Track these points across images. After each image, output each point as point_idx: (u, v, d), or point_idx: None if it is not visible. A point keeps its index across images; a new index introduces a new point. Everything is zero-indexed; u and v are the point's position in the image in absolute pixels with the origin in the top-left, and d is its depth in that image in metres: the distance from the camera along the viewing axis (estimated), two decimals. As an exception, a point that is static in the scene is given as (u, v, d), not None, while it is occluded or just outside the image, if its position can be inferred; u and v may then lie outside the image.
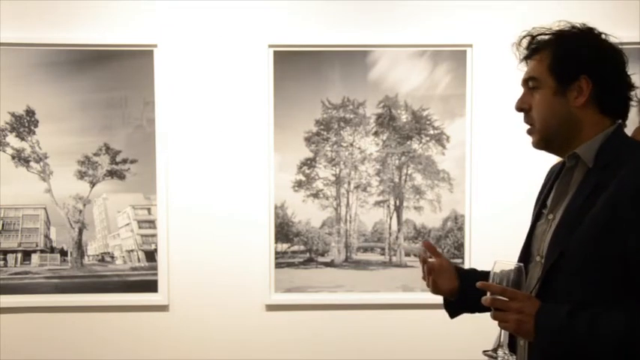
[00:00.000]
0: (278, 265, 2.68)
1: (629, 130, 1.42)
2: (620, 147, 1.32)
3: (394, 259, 2.71)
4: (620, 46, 1.36)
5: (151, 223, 2.66)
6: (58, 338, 2.66)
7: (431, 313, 2.69)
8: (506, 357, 1.32)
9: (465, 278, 1.61)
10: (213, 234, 2.65)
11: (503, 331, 1.32)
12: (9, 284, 2.64)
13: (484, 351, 1.35)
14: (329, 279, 2.70)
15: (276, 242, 2.68)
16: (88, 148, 2.63)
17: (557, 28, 1.38)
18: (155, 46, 2.59)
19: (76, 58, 2.59)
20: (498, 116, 2.62)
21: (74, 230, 2.66)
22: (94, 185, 2.65)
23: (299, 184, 2.68)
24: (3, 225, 2.65)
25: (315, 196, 2.69)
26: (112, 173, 2.65)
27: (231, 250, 2.66)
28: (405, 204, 2.69)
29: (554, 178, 1.46)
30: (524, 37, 1.41)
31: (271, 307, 2.68)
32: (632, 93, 1.36)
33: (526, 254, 1.45)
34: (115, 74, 2.60)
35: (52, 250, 2.66)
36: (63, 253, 2.67)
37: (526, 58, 1.40)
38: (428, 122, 2.67)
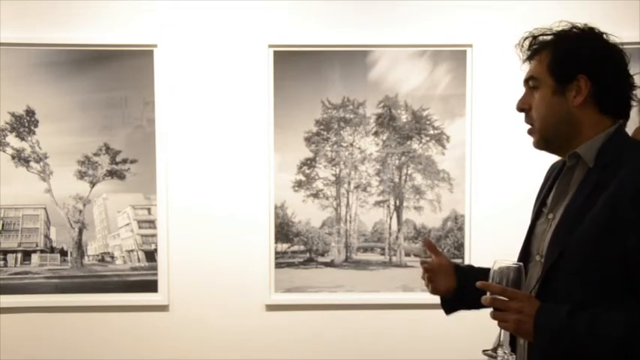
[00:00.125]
0: (278, 265, 2.68)
1: (629, 130, 1.42)
2: (621, 147, 1.32)
3: (394, 259, 2.71)
4: (620, 46, 1.36)
5: (151, 223, 2.66)
6: (58, 338, 2.66)
7: (431, 313, 2.68)
8: (506, 357, 1.32)
9: (463, 276, 1.61)
10: (213, 234, 2.65)
11: (503, 330, 1.32)
12: (9, 284, 2.64)
13: (484, 350, 1.35)
14: (329, 279, 2.70)
15: (276, 242, 2.68)
16: (88, 148, 2.63)
17: (558, 29, 1.38)
18: (155, 46, 2.59)
19: (76, 58, 2.59)
20: (498, 116, 2.62)
21: (74, 230, 2.66)
22: (94, 185, 2.65)
23: (299, 184, 2.68)
24: (3, 225, 2.65)
25: (315, 196, 2.69)
26: (112, 173, 2.65)
27: (231, 250, 2.66)
28: (405, 204, 2.69)
29: (554, 176, 1.46)
30: (526, 37, 1.42)
31: (271, 307, 2.68)
32: (634, 93, 1.36)
33: (526, 253, 1.45)
34: (115, 74, 2.60)
35: (52, 250, 2.66)
36: (63, 253, 2.67)
37: (528, 58, 1.41)
38: (428, 122, 2.67)
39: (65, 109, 2.61)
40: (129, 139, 2.64)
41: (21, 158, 2.62)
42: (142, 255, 2.67)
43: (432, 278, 1.61)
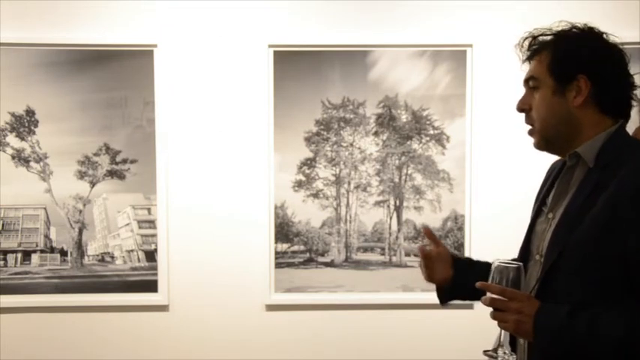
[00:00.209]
0: (278, 265, 2.68)
1: (629, 130, 1.42)
2: (621, 147, 1.32)
3: (394, 259, 2.71)
4: (620, 46, 1.36)
5: (151, 223, 2.66)
6: (58, 338, 2.66)
7: (431, 313, 2.69)
8: (506, 357, 1.32)
9: (460, 267, 1.61)
10: (213, 234, 2.65)
11: (503, 330, 1.32)
12: (9, 284, 2.64)
13: (484, 351, 1.35)
14: (329, 279, 2.70)
15: (276, 242, 2.68)
16: (88, 148, 2.63)
17: (558, 29, 1.38)
18: (155, 46, 2.59)
19: (76, 58, 2.59)
20: (498, 116, 2.62)
21: (74, 230, 2.66)
22: (94, 185, 2.65)
23: (299, 184, 2.68)
24: (3, 225, 2.65)
25: (315, 196, 2.69)
26: (112, 173, 2.65)
27: (231, 250, 2.66)
28: (405, 204, 2.69)
29: (554, 175, 1.46)
30: (525, 38, 1.42)
31: (271, 307, 2.68)
32: (634, 93, 1.36)
33: (525, 252, 1.45)
34: (115, 74, 2.60)
35: (52, 250, 2.66)
36: (63, 253, 2.67)
37: (528, 58, 1.41)
38: (428, 122, 2.67)
39: (65, 109, 2.61)
40: (129, 139, 2.64)
41: (21, 158, 2.62)
42: (142, 255, 2.67)
43: (429, 265, 1.61)
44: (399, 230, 2.70)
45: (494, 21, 2.62)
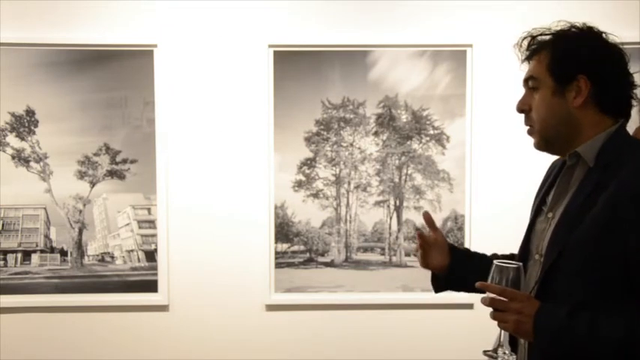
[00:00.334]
0: (278, 265, 2.68)
1: (629, 129, 1.41)
2: (621, 146, 1.32)
3: (394, 259, 2.71)
4: (620, 46, 1.36)
5: (151, 223, 2.66)
6: (58, 338, 2.66)
7: (431, 313, 2.69)
8: (506, 357, 1.32)
9: (456, 257, 1.61)
10: (213, 234, 2.65)
11: (503, 330, 1.32)
12: (9, 284, 2.64)
13: (484, 351, 1.35)
14: (329, 279, 2.70)
15: (276, 242, 2.68)
16: (88, 148, 2.63)
17: (557, 29, 1.38)
18: (155, 46, 2.59)
19: (76, 58, 2.59)
20: (498, 116, 2.62)
21: (74, 230, 2.66)
22: (94, 185, 2.65)
23: (299, 184, 2.68)
24: (3, 225, 2.65)
25: (315, 196, 2.69)
26: (112, 173, 2.65)
27: (231, 250, 2.66)
28: (405, 204, 2.69)
29: (554, 175, 1.46)
30: (524, 37, 1.41)
31: (271, 307, 2.68)
32: (634, 92, 1.36)
33: (525, 251, 1.45)
34: (115, 74, 2.60)
35: (52, 250, 2.66)
36: (63, 253, 2.67)
37: (527, 58, 1.41)
38: (428, 122, 2.67)
39: (65, 109, 2.61)
40: (129, 139, 2.64)
41: (21, 158, 2.62)
42: (142, 255, 2.67)
43: (426, 250, 1.60)
44: (399, 230, 2.70)
45: (494, 21, 2.62)
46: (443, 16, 2.64)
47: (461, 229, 2.68)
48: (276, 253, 2.68)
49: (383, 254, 2.71)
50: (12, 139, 2.62)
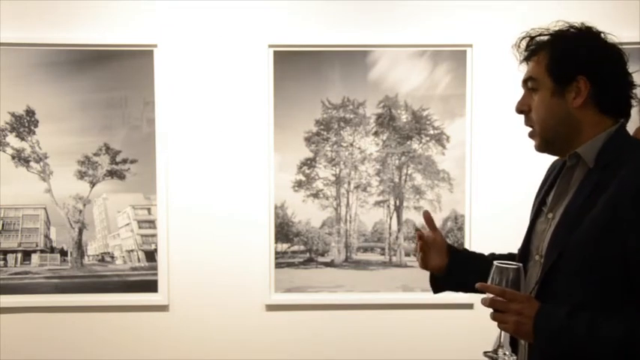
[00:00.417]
0: (278, 265, 2.68)
1: (629, 129, 1.41)
2: (621, 147, 1.31)
3: (394, 259, 2.71)
4: (620, 46, 1.36)
5: (151, 223, 2.66)
6: (58, 338, 2.66)
7: (431, 313, 2.69)
8: (506, 358, 1.32)
9: (455, 257, 1.61)
10: (213, 234, 2.65)
11: (503, 331, 1.32)
12: (9, 284, 2.64)
13: (484, 352, 1.35)
14: (329, 279, 2.70)
15: (276, 242, 2.68)
16: (88, 148, 2.63)
17: (556, 29, 1.38)
18: (155, 46, 2.59)
19: (76, 58, 2.59)
20: (498, 116, 2.62)
21: (74, 230, 2.66)
22: (94, 185, 2.65)
23: (299, 184, 2.68)
24: (3, 225, 2.65)
25: (315, 196, 2.69)
26: (112, 173, 2.65)
27: (231, 250, 2.66)
28: (405, 204, 2.69)
29: (554, 175, 1.46)
30: (522, 38, 1.41)
31: (271, 307, 2.68)
32: (634, 92, 1.36)
33: (525, 252, 1.45)
34: (115, 74, 2.60)
35: (52, 250, 2.66)
36: (63, 253, 2.67)
37: (525, 59, 1.40)
38: (428, 122, 2.67)
39: (65, 109, 2.61)
40: (129, 139, 2.64)
41: (21, 158, 2.62)
42: (142, 255, 2.67)
43: (425, 251, 1.60)
44: (399, 230, 2.70)
45: (494, 21, 2.62)
46: (443, 16, 2.64)
47: (461, 229, 2.68)
48: (276, 253, 2.68)
49: (383, 254, 2.71)
50: (12, 139, 2.62)
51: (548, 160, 1.53)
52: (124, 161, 2.64)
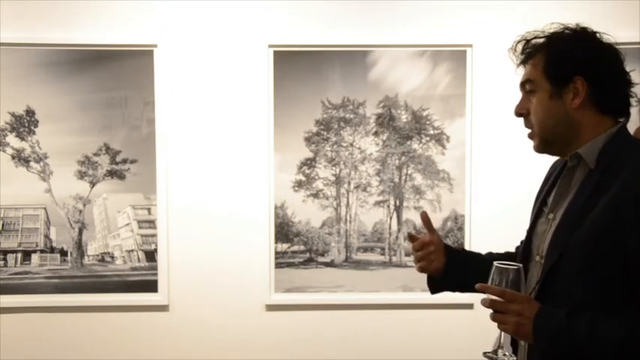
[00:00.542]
0: (278, 265, 2.68)
1: (630, 130, 1.41)
2: (622, 147, 1.31)
3: (394, 259, 2.71)
4: (616, 45, 1.35)
5: (151, 223, 2.66)
6: (58, 338, 2.66)
7: (431, 313, 2.69)
8: (505, 358, 1.32)
9: (452, 257, 1.60)
10: (213, 234, 2.65)
11: (503, 332, 1.32)
12: (9, 284, 2.64)
13: (484, 353, 1.35)
14: (329, 279, 2.70)
15: (276, 242, 2.68)
16: (88, 148, 2.63)
17: (551, 31, 1.38)
18: (155, 46, 2.59)
19: (76, 58, 2.59)
20: (498, 116, 2.62)
21: (74, 230, 2.66)
22: (94, 185, 2.65)
23: (299, 184, 2.68)
24: (3, 225, 2.65)
25: (315, 196, 2.69)
26: (112, 173, 2.65)
27: (231, 250, 2.66)
28: (405, 204, 2.69)
29: (555, 175, 1.46)
30: (518, 42, 1.41)
31: (271, 307, 2.68)
32: (633, 91, 1.36)
33: (526, 252, 1.45)
34: (115, 74, 2.60)
35: (52, 250, 2.66)
36: (63, 253, 2.67)
37: (522, 62, 1.41)
38: (428, 122, 2.67)
39: (65, 109, 2.61)
40: (129, 139, 2.64)
41: (21, 158, 2.62)
42: (142, 255, 2.67)
43: (424, 256, 1.59)
44: (399, 230, 2.70)
45: (494, 21, 2.61)
46: (443, 16, 2.63)
47: (461, 229, 2.68)
48: (276, 253, 2.68)
49: (383, 254, 2.71)
50: (12, 139, 2.62)
51: (549, 160, 1.52)
52: (124, 161, 2.64)
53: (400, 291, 2.69)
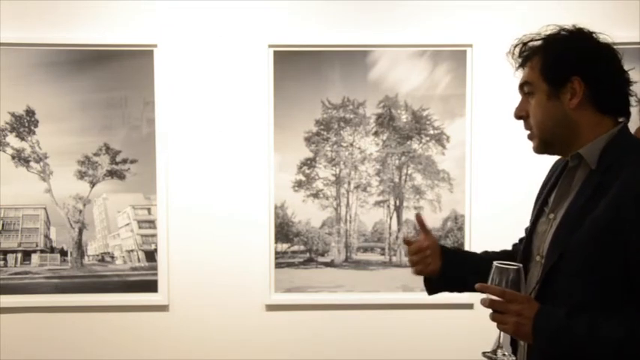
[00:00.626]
0: (278, 265, 2.68)
1: (630, 129, 1.41)
2: (623, 148, 1.31)
3: (394, 259, 2.71)
4: (616, 45, 1.35)
5: (151, 223, 2.66)
6: (58, 338, 2.66)
7: (431, 313, 2.69)
8: (505, 358, 1.32)
9: (449, 258, 1.61)
10: (213, 234, 2.65)
11: (502, 332, 1.32)
12: (9, 284, 2.64)
13: (483, 352, 1.35)
14: (329, 279, 2.70)
15: (276, 242, 2.68)
16: (88, 148, 2.63)
17: (547, 33, 1.38)
18: (155, 46, 2.59)
19: (76, 58, 2.59)
20: (498, 116, 2.62)
21: (74, 230, 2.66)
22: (94, 185, 2.65)
23: (299, 184, 2.68)
24: (3, 225, 2.65)
25: (315, 196, 2.69)
26: (112, 173, 2.65)
27: (231, 250, 2.66)
28: (405, 204, 2.69)
29: (557, 175, 1.46)
30: (516, 45, 1.42)
31: (271, 307, 2.68)
32: (632, 89, 1.35)
33: (526, 252, 1.45)
34: (115, 74, 2.60)
35: (52, 250, 2.66)
36: (63, 253, 2.67)
37: (520, 65, 1.41)
38: (428, 122, 2.67)
39: (65, 109, 2.61)
40: (129, 139, 2.64)
41: (21, 158, 2.62)
42: (142, 255, 2.67)
43: (421, 260, 1.59)
44: (399, 230, 2.70)
45: (494, 21, 2.61)
46: (443, 16, 2.63)
47: (461, 229, 2.68)
48: (276, 253, 2.68)
49: (383, 254, 2.71)
50: (12, 139, 2.62)
51: (549, 160, 1.52)
52: (124, 161, 2.64)
53: (400, 291, 2.69)
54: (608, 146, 1.32)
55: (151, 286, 2.66)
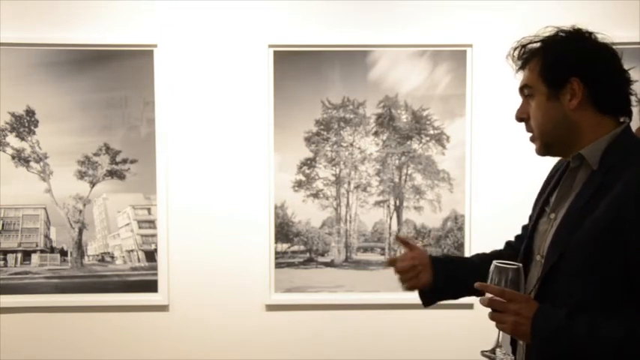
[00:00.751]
0: (278, 265, 2.68)
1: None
2: (626, 149, 1.31)
3: (394, 259, 2.70)
4: (616, 45, 1.35)
5: (151, 223, 2.66)
6: (58, 338, 2.66)
7: (431, 313, 2.67)
8: (504, 357, 1.32)
9: (440, 269, 1.60)
10: (213, 234, 2.65)
11: (501, 331, 1.32)
12: (9, 284, 2.64)
13: (482, 351, 1.35)
14: (329, 279, 2.70)
15: (276, 242, 2.68)
16: (88, 148, 2.63)
17: (546, 35, 1.38)
18: (155, 46, 2.59)
19: (76, 58, 2.59)
20: (498, 116, 2.62)
21: (74, 230, 2.66)
22: (94, 185, 2.65)
23: (299, 184, 2.68)
24: (3, 225, 2.65)
25: (315, 196, 2.69)
26: (112, 173, 2.65)
27: (231, 250, 2.66)
28: (405, 204, 2.69)
29: (558, 176, 1.46)
30: (515, 48, 1.42)
31: (271, 307, 2.68)
32: (632, 89, 1.35)
33: (527, 252, 1.45)
34: (115, 74, 2.60)
35: (52, 250, 2.66)
36: (63, 253, 2.67)
37: (520, 68, 1.42)
38: (428, 122, 2.67)
39: (65, 109, 2.61)
40: (129, 139, 2.64)
41: (21, 158, 2.62)
42: (142, 255, 2.67)
43: (412, 276, 1.59)
44: (399, 230, 2.70)
45: (494, 21, 2.61)
46: (443, 16, 2.63)
47: (461, 229, 2.68)
48: (276, 253, 2.68)
49: (383, 254, 2.71)
50: (12, 139, 2.62)
51: (549, 160, 1.52)
52: (124, 161, 2.64)
53: (400, 291, 2.67)
54: (610, 147, 1.31)
55: (150, 286, 2.66)
